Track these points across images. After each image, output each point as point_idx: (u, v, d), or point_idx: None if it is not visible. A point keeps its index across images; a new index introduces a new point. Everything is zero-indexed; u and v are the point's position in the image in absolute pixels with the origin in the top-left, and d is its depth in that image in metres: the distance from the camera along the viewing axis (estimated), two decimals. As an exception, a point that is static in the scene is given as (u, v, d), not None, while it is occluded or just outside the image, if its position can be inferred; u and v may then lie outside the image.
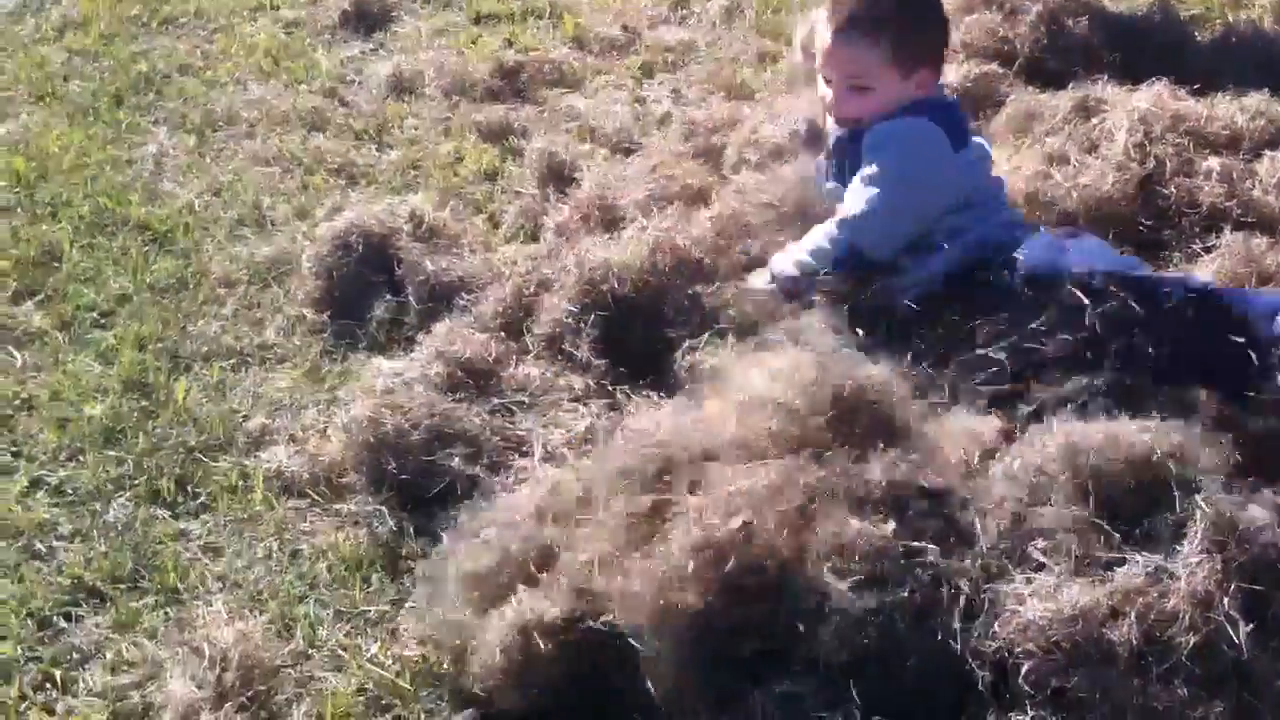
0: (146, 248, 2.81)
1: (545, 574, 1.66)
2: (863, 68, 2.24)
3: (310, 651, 1.78)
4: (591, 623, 1.58)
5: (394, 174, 3.08)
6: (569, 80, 3.49)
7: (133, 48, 3.84)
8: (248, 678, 1.69)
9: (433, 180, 3.01)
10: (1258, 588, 1.48)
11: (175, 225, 2.88)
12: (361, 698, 1.70)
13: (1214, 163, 2.58)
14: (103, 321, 2.57)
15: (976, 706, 1.47)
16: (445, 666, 1.71)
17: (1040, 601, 1.49)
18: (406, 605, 1.84)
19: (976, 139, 2.38)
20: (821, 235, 2.22)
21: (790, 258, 2.23)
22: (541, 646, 1.57)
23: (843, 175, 2.32)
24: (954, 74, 3.02)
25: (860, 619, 1.47)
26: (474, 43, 3.73)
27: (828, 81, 2.34)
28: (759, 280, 2.29)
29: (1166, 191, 2.52)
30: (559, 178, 2.87)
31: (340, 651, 1.77)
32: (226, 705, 1.65)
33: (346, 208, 2.83)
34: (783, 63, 3.47)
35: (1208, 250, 2.38)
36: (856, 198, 2.21)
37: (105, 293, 2.64)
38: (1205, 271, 2.26)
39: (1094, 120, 2.71)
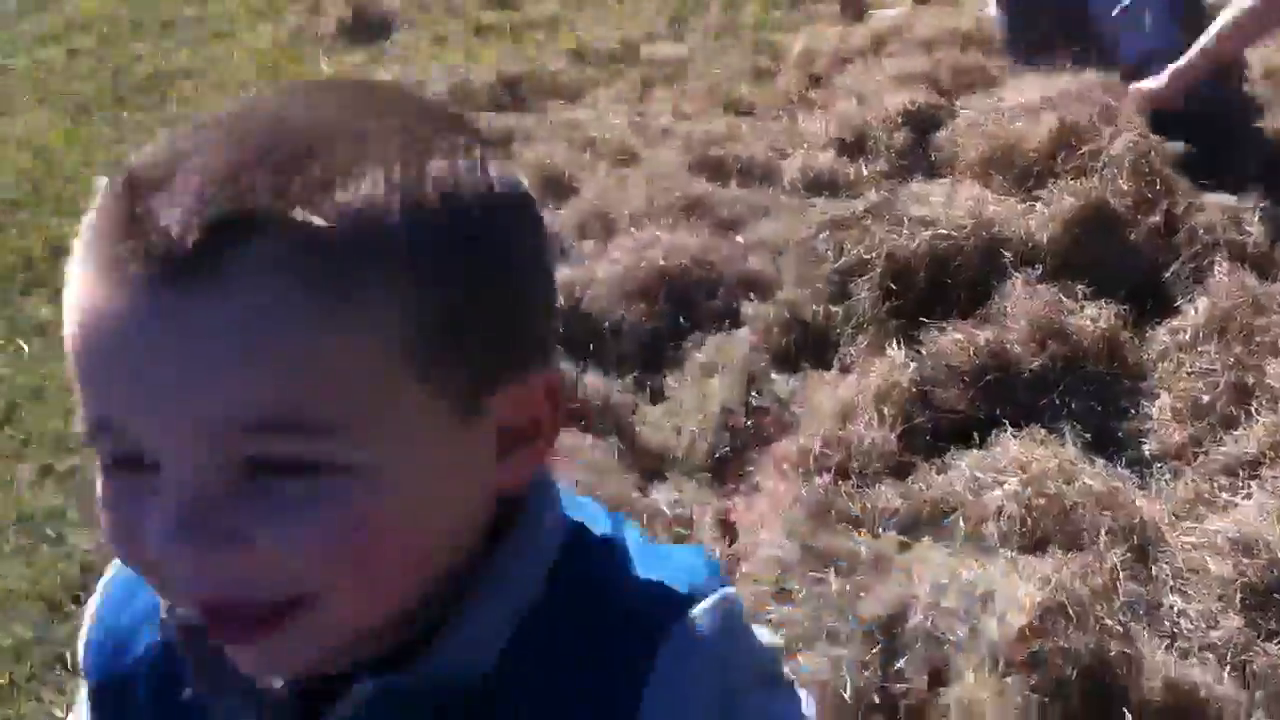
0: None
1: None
2: None
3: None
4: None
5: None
6: (568, 91, 3.54)
7: (134, 49, 3.89)
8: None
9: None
10: None
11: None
12: None
13: None
14: (108, 315, 2.61)
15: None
16: None
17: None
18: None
19: None
20: None
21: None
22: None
23: None
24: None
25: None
26: (474, 54, 3.78)
27: None
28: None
29: None
30: (558, 188, 2.91)
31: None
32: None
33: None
34: (778, 78, 3.52)
35: None
36: None
37: (111, 287, 2.68)
38: None
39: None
